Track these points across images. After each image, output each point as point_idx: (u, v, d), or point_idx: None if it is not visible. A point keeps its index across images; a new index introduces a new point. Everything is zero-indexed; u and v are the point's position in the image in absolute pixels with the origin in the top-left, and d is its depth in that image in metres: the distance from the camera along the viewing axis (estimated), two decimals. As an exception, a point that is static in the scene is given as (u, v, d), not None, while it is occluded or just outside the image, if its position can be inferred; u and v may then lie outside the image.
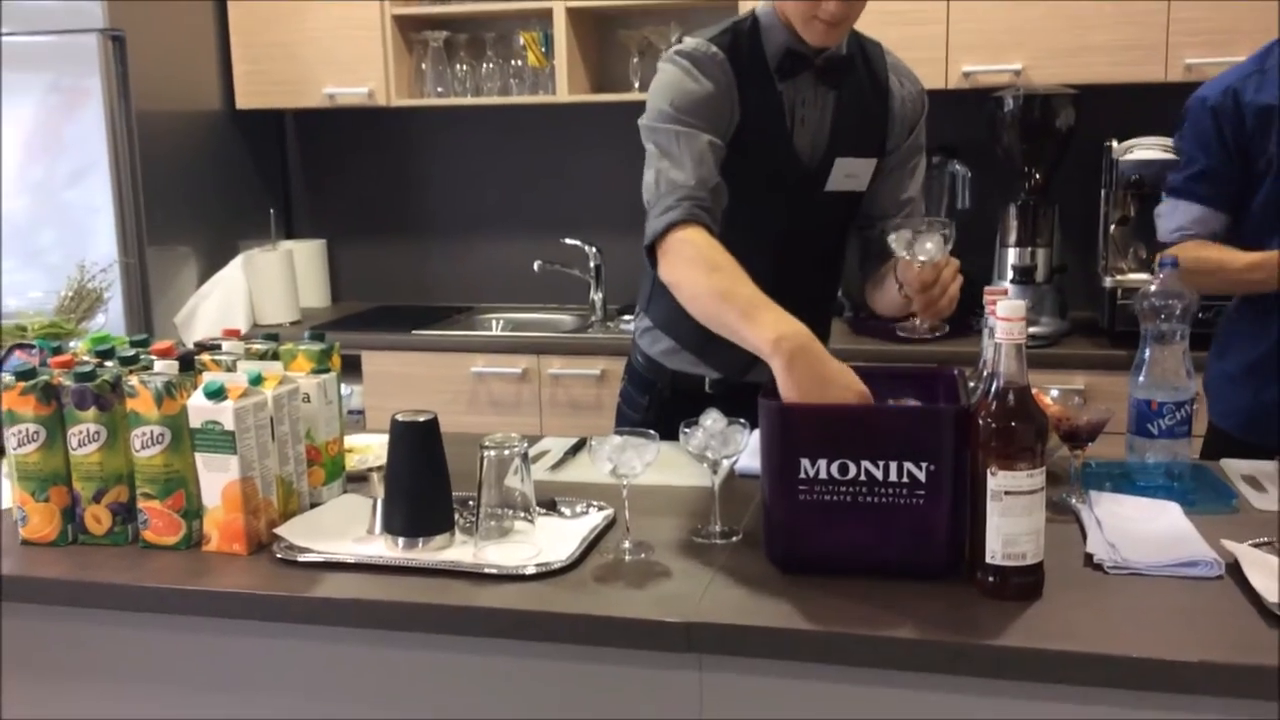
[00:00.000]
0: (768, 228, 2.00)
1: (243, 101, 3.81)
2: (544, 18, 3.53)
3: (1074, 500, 1.71)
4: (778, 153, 1.97)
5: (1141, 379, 1.87)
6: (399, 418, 1.60)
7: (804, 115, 1.98)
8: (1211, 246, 2.13)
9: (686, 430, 1.60)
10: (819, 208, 2.02)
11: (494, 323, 3.79)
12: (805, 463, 1.43)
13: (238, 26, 3.74)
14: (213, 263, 3.74)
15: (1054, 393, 1.84)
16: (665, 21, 3.55)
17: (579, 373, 3.31)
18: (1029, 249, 3.12)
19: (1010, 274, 3.13)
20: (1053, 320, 3.13)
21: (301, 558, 1.58)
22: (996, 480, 1.37)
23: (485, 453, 1.56)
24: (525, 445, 1.58)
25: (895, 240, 1.75)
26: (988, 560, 1.39)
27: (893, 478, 1.42)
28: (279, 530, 1.63)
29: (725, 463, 1.60)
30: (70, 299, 2.11)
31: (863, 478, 1.42)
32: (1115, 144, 3.02)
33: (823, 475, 1.43)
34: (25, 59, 3.35)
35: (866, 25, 3.13)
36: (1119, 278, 2.97)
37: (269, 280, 3.71)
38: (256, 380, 1.63)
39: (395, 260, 4.11)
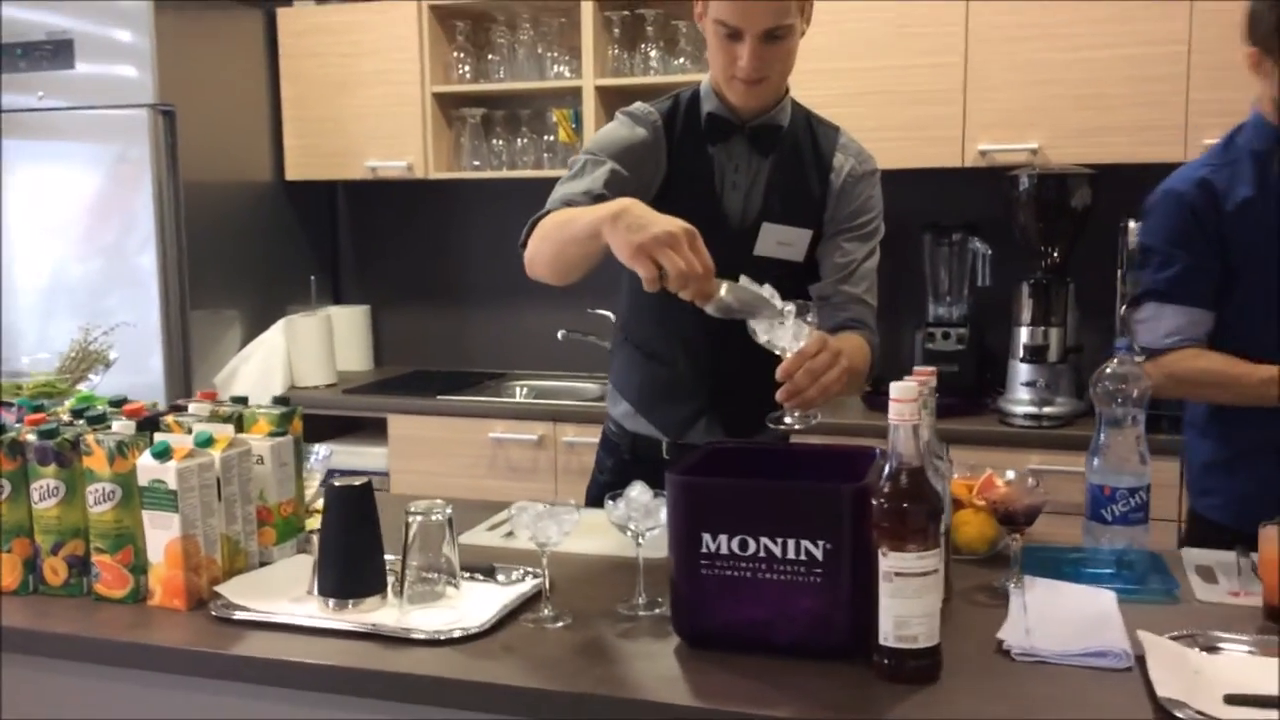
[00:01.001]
0: None
1: (292, 173, 3.97)
2: (574, 95, 3.63)
3: (1012, 585, 1.69)
4: (706, 212, 2.02)
5: (1096, 463, 1.84)
6: (334, 483, 1.65)
7: (735, 179, 2.05)
8: (1211, 356, 2.04)
9: (610, 501, 1.63)
10: (752, 272, 2.01)
11: (519, 389, 3.85)
12: (707, 537, 1.45)
13: (290, 102, 3.92)
14: (259, 326, 3.88)
15: (1009, 475, 1.82)
16: (693, 99, 3.63)
17: (592, 440, 3.32)
18: (1041, 328, 3.08)
19: (1021, 352, 3.09)
20: (1068, 400, 3.08)
21: (235, 615, 1.63)
22: (888, 561, 1.37)
23: (411, 518, 1.61)
24: (449, 511, 1.62)
25: (753, 327, 1.70)
26: (880, 642, 1.38)
27: (791, 555, 1.42)
28: (219, 588, 1.69)
29: (651, 534, 1.62)
30: (72, 359, 2.22)
31: (762, 554, 1.43)
32: (1132, 224, 2.99)
33: (724, 550, 1.45)
34: (83, 130, 3.55)
35: (885, 105, 3.19)
36: (1130, 359, 2.91)
37: (308, 344, 3.84)
38: (205, 442, 1.71)
39: (435, 326, 4.22)
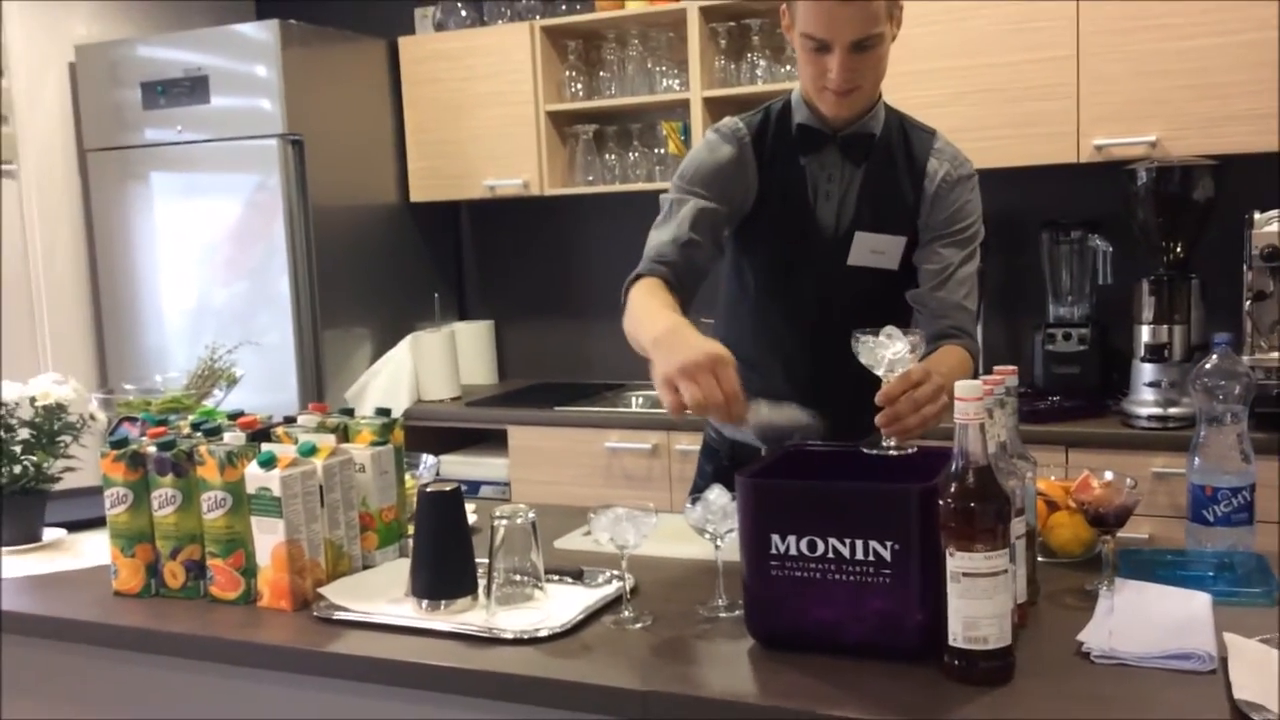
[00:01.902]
0: (799, 297, 2.08)
1: (416, 195, 4.12)
2: (683, 107, 3.67)
3: (1103, 587, 1.65)
4: (799, 224, 2.04)
5: (1197, 463, 1.79)
6: (426, 489, 1.72)
7: (828, 190, 2.04)
8: None
9: (689, 504, 1.66)
10: (846, 280, 2.04)
11: (635, 399, 3.90)
12: (776, 538, 1.46)
13: (412, 127, 4.07)
14: (387, 343, 4.03)
15: (1108, 476, 1.78)
16: (803, 106, 3.63)
17: (706, 450, 3.37)
18: (1164, 326, 2.98)
19: (1143, 352, 3.00)
20: (1194, 401, 2.97)
21: (336, 615, 1.71)
22: (955, 561, 1.36)
23: (497, 522, 1.67)
24: (533, 515, 1.67)
25: (858, 346, 1.67)
26: (950, 643, 1.37)
27: (859, 555, 1.43)
28: (322, 590, 1.77)
29: (730, 537, 1.64)
30: (199, 377, 2.36)
31: (830, 555, 1.44)
32: (1258, 215, 2.87)
33: (793, 551, 1.46)
34: (220, 161, 3.75)
35: (998, 103, 3.15)
36: (1257, 357, 2.80)
37: (433, 359, 3.97)
38: (309, 451, 1.80)
39: (556, 339, 4.31)
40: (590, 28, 3.85)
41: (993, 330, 3.53)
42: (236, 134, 3.70)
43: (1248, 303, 2.84)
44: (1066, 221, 3.36)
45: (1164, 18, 3.00)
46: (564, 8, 3.90)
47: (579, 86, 3.89)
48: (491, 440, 3.87)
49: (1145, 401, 3.00)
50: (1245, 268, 2.90)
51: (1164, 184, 3.01)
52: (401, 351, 3.98)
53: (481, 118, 3.93)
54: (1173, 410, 2.95)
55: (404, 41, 4.05)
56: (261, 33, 3.64)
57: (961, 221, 2.06)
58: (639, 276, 1.96)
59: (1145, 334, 3.01)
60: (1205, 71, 2.97)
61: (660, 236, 2.00)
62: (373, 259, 4.02)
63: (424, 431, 3.77)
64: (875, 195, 2.04)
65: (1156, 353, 2.96)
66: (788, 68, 3.56)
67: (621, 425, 3.55)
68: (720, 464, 2.25)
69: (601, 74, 3.88)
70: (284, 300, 3.76)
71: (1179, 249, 3.05)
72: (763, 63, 3.60)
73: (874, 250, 2.03)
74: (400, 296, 4.14)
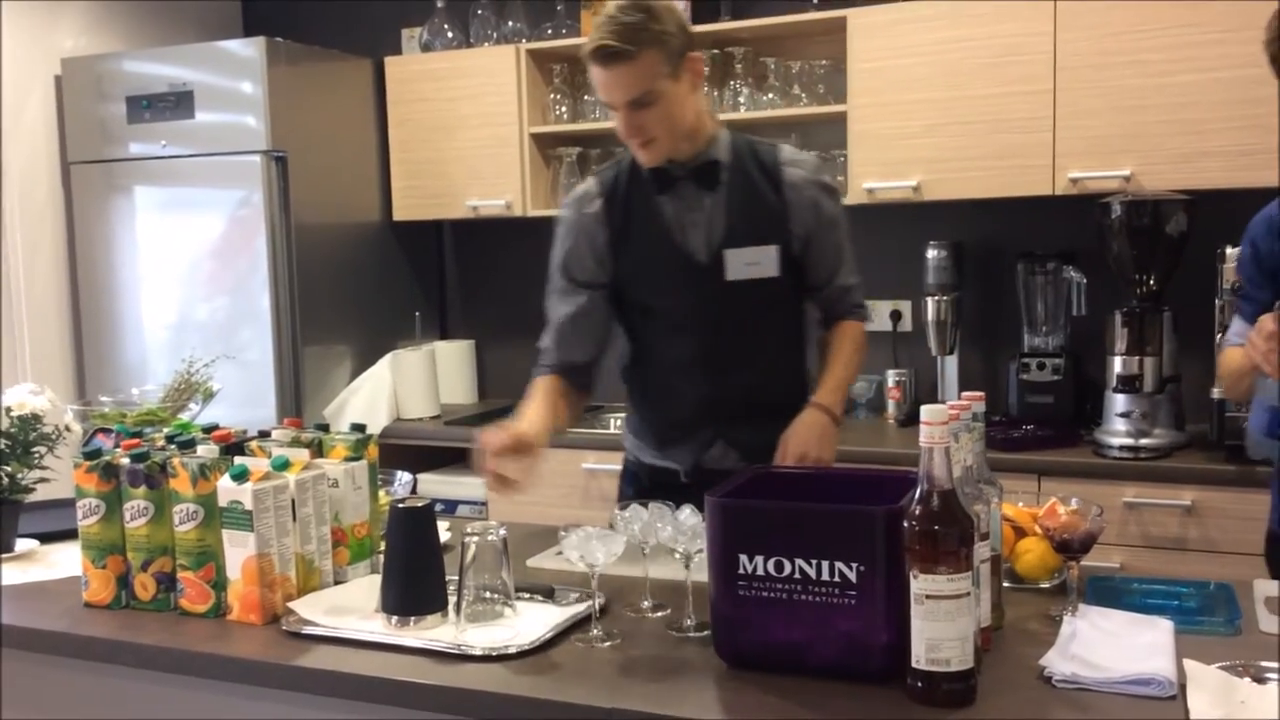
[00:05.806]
0: (685, 319, 2.19)
1: (399, 214, 4.12)
2: (666, 132, 3.70)
3: (1067, 613, 1.66)
4: (666, 254, 2.15)
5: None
6: (398, 504, 1.73)
7: (693, 219, 2.14)
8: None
9: (659, 525, 1.67)
10: (730, 297, 2.15)
11: (612, 422, 3.91)
12: (744, 558, 1.48)
13: (397, 146, 4.08)
14: (368, 360, 4.03)
15: (1074, 503, 1.79)
16: (785, 135, 3.65)
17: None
18: (1135, 357, 3.01)
19: (1115, 383, 3.03)
20: (1166, 432, 3.00)
21: (305, 630, 1.72)
22: (919, 583, 1.37)
23: (468, 539, 1.67)
24: (504, 532, 1.68)
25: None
26: (913, 664, 1.39)
27: (825, 576, 1.44)
28: (292, 604, 1.78)
29: (700, 556, 1.65)
30: (175, 390, 2.36)
31: (797, 575, 1.45)
32: (1230, 250, 2.91)
33: (760, 571, 1.47)
34: (204, 176, 3.76)
35: (975, 134, 3.19)
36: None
37: (413, 377, 3.97)
38: (281, 465, 1.80)
39: (536, 360, 4.30)
40: (575, 51, 3.85)
41: (968, 359, 3.57)
42: (220, 149, 3.71)
43: (1219, 336, 2.88)
44: (1042, 253, 3.40)
45: (1140, 54, 3.05)
46: (550, 31, 3.93)
47: (563, 109, 3.91)
48: (470, 459, 3.87)
49: (1117, 432, 3.03)
50: (1217, 301, 2.94)
51: (1137, 217, 3.04)
52: (381, 369, 3.99)
53: (466, 138, 3.95)
54: (1144, 441, 2.98)
55: (390, 61, 4.07)
56: (247, 49, 3.65)
57: (827, 216, 2.19)
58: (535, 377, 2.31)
59: (1118, 365, 3.04)
60: (1180, 107, 3.02)
61: (548, 334, 2.33)
62: (355, 276, 4.03)
63: (403, 449, 3.77)
64: (740, 212, 2.14)
65: (1129, 384, 2.99)
66: (769, 95, 3.60)
67: (598, 446, 3.55)
68: (641, 486, 2.30)
69: (586, 97, 3.90)
70: (265, 316, 3.76)
71: (1152, 281, 3.09)
72: (745, 90, 3.63)
73: (749, 263, 2.13)
74: (381, 314, 4.14)
